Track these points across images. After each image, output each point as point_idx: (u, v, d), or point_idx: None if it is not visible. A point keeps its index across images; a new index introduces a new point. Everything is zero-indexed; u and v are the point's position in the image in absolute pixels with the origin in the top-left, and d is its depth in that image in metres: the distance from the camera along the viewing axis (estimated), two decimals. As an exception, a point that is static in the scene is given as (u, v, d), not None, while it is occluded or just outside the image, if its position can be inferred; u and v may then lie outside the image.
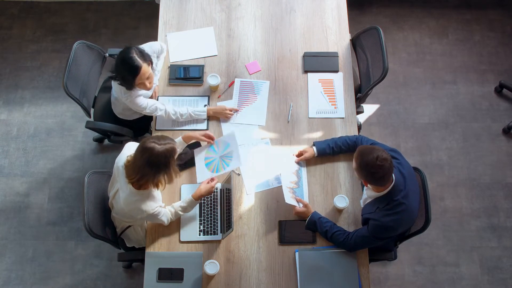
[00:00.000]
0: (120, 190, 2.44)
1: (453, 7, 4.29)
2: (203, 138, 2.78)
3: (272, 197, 2.77)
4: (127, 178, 2.38)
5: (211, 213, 2.70)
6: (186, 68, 3.08)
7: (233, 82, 3.07)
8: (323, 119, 2.97)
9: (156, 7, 3.54)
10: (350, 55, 3.17)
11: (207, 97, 3.02)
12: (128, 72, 2.63)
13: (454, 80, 4.01)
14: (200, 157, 2.81)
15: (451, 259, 3.44)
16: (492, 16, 4.25)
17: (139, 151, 2.31)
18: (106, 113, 3.20)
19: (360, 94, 3.16)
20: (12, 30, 4.14)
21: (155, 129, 2.93)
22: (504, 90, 3.95)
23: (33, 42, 4.10)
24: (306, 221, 2.65)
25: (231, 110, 2.96)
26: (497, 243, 3.49)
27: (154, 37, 3.21)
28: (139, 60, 2.62)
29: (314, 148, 2.79)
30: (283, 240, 2.66)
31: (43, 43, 4.10)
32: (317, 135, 2.93)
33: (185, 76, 3.06)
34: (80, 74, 3.03)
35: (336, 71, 3.10)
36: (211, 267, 2.53)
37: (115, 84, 2.84)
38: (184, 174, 2.81)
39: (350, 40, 3.23)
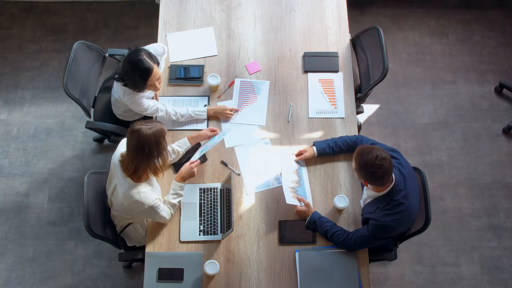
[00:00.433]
0: (118, 185, 2.45)
1: (453, 7, 4.29)
2: (210, 133, 2.82)
3: (272, 197, 2.77)
4: (124, 172, 2.38)
5: (211, 213, 2.70)
6: (186, 68, 3.08)
7: (233, 82, 3.07)
8: (323, 119, 2.97)
9: (156, 7, 3.54)
10: (350, 55, 3.17)
11: (207, 97, 3.02)
12: (139, 75, 2.62)
13: (454, 80, 4.01)
14: (198, 151, 2.83)
15: (451, 259, 3.44)
16: (492, 16, 4.25)
17: (128, 136, 2.33)
18: (106, 113, 3.20)
19: (360, 94, 3.16)
20: (12, 30, 4.14)
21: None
22: (504, 90, 3.95)
23: (33, 42, 4.10)
24: (306, 221, 2.65)
25: (231, 110, 2.96)
26: (497, 243, 3.49)
27: (154, 37, 3.22)
28: (149, 62, 2.61)
29: (314, 148, 2.79)
30: (283, 240, 2.66)
31: (43, 43, 4.10)
32: (317, 135, 2.93)
33: (185, 76, 3.06)
34: (80, 74, 3.03)
35: (336, 71, 3.10)
36: (211, 267, 2.53)
37: (117, 86, 2.84)
38: (184, 174, 2.81)
39: (350, 40, 3.23)
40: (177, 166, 2.81)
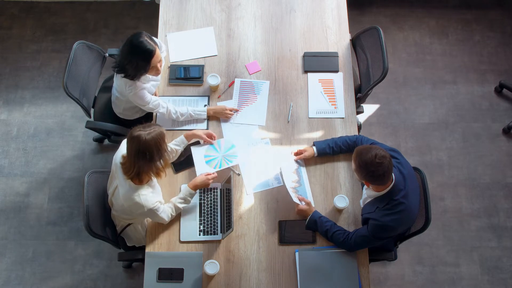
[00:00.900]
0: (119, 186, 2.45)
1: (453, 7, 4.29)
2: (205, 137, 2.80)
3: (272, 197, 2.77)
4: (125, 175, 2.38)
5: (211, 213, 2.70)
6: (186, 68, 3.08)
7: (233, 82, 3.07)
8: (323, 119, 2.97)
9: (156, 7, 3.54)
10: (350, 55, 3.17)
11: (207, 97, 3.02)
12: (142, 57, 2.60)
13: (454, 80, 4.01)
14: (198, 154, 2.82)
15: (451, 259, 3.44)
16: (492, 16, 4.25)
17: (128, 142, 2.33)
18: (106, 113, 3.20)
19: (360, 94, 3.16)
20: (12, 30, 4.14)
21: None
22: (504, 90, 3.95)
23: (33, 42, 4.10)
24: (307, 220, 2.65)
25: (231, 110, 2.96)
26: (497, 243, 3.49)
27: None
28: (151, 43, 2.61)
29: (314, 148, 2.79)
30: (283, 240, 2.66)
31: (43, 43, 4.10)
32: (317, 135, 2.93)
33: (185, 76, 3.06)
34: (80, 74, 3.03)
35: (336, 71, 3.10)
36: (211, 267, 2.53)
37: (118, 79, 2.81)
38: (184, 174, 2.81)
39: (350, 40, 3.23)
40: (176, 165, 2.82)
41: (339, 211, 2.73)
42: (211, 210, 2.71)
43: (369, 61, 3.13)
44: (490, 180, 3.67)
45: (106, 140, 3.75)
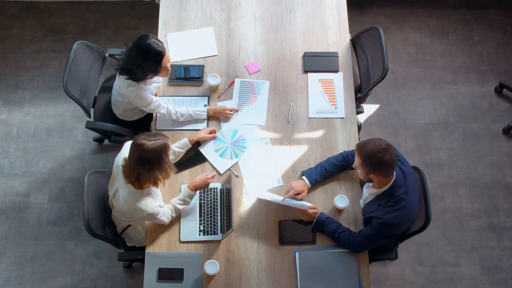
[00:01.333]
0: (120, 189, 2.45)
1: (453, 7, 4.29)
2: (208, 136, 2.83)
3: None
4: (125, 178, 2.38)
5: (211, 213, 2.70)
6: (186, 68, 3.08)
7: (233, 82, 3.07)
8: (323, 119, 2.97)
9: (156, 7, 3.54)
10: (350, 55, 3.17)
11: (207, 97, 3.02)
12: (153, 59, 2.60)
13: (454, 80, 4.01)
14: (209, 152, 2.83)
15: (451, 259, 3.44)
16: (492, 16, 4.25)
17: (131, 148, 2.32)
18: (106, 113, 3.20)
19: (360, 94, 3.16)
20: (12, 30, 4.14)
21: (155, 129, 2.92)
22: (504, 90, 3.95)
23: (33, 42, 4.10)
24: (314, 221, 2.63)
25: (231, 110, 2.96)
26: (497, 243, 3.49)
27: (154, 37, 3.22)
28: (160, 44, 2.61)
29: (305, 179, 2.73)
30: (283, 240, 2.66)
31: (43, 43, 4.10)
32: (317, 135, 2.93)
33: (185, 76, 3.06)
34: (80, 74, 3.03)
35: (336, 71, 3.10)
36: (211, 267, 2.53)
37: (119, 80, 2.80)
38: (184, 174, 2.81)
39: (350, 40, 3.23)
40: (177, 166, 2.81)
41: (339, 211, 2.72)
42: (211, 210, 2.71)
43: (369, 61, 3.13)
44: (490, 180, 3.67)
45: (106, 140, 3.75)
